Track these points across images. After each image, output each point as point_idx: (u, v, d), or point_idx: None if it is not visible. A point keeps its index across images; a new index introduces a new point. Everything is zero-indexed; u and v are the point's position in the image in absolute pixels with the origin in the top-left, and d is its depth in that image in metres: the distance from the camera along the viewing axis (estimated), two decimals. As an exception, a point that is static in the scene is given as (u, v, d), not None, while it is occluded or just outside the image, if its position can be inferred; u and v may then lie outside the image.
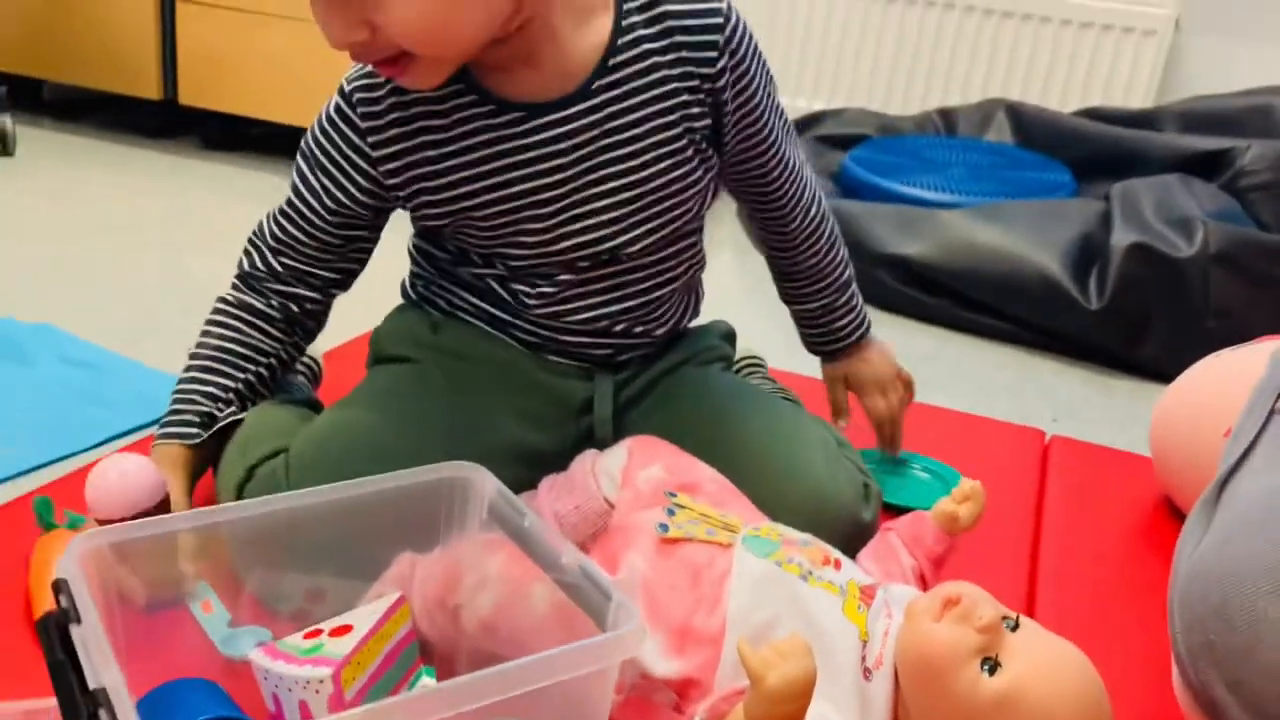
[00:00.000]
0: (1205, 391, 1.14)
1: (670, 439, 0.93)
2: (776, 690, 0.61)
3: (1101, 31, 2.42)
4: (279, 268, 0.97)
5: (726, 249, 1.73)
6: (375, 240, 0.99)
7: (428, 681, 0.75)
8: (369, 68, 0.89)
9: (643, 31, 0.90)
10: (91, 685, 0.55)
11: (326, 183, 0.93)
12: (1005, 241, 1.80)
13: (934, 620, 0.70)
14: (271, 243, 0.97)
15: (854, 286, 1.12)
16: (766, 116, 0.98)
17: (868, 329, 1.14)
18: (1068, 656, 0.71)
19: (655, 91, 0.91)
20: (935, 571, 0.87)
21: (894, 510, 1.04)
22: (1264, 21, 2.37)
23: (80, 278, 1.69)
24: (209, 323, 0.98)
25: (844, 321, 1.12)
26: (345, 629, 0.70)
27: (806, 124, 2.46)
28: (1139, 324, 1.70)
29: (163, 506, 0.86)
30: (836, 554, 0.81)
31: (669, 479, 0.87)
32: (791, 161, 1.03)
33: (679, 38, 0.91)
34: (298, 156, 0.95)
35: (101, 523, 0.82)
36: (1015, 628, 0.71)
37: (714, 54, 0.91)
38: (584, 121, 0.90)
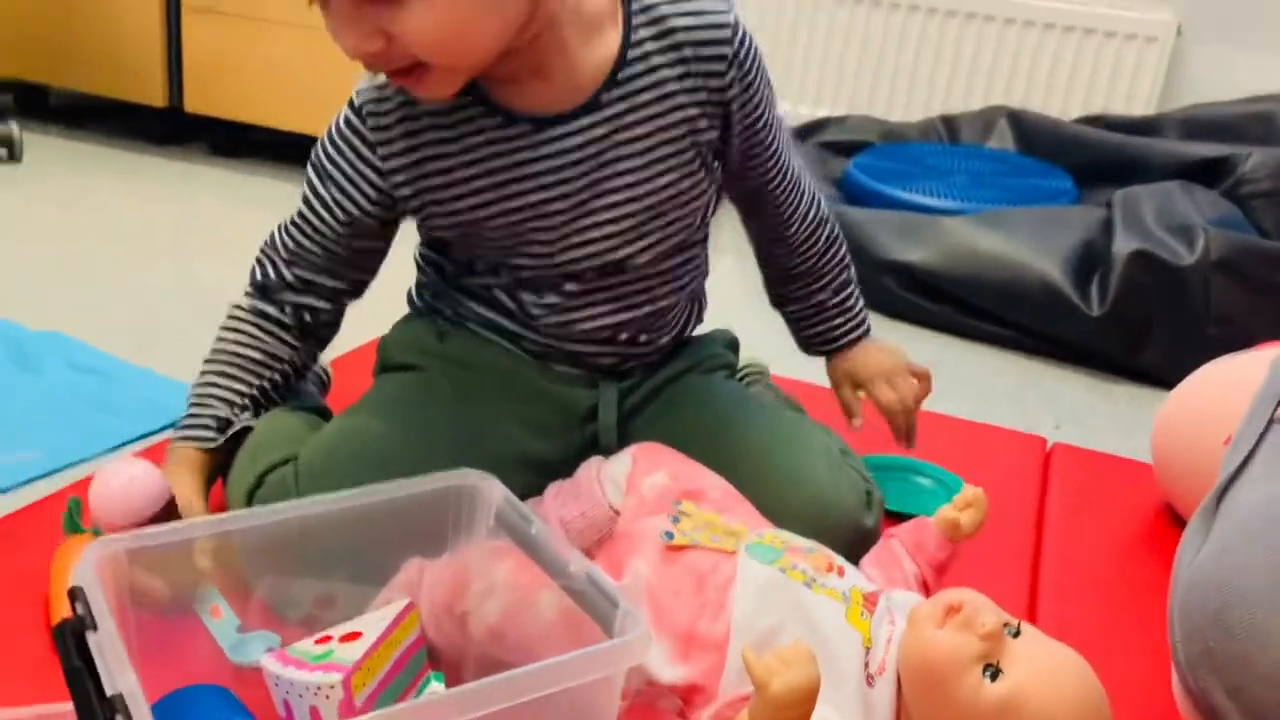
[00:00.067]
0: (1206, 398, 1.14)
1: (674, 446, 0.93)
2: (781, 697, 0.62)
3: (1103, 39, 2.42)
4: (292, 278, 0.97)
5: (729, 255, 1.73)
6: (386, 249, 1.00)
7: (436, 687, 0.76)
8: (378, 79, 0.90)
9: (651, 45, 0.90)
10: (108, 692, 0.56)
11: (337, 194, 0.94)
12: (1007, 248, 1.80)
13: (936, 627, 0.71)
14: (284, 254, 0.98)
15: (853, 287, 1.12)
16: (770, 126, 0.98)
17: (867, 330, 1.13)
18: (1069, 663, 0.71)
19: (663, 104, 0.91)
20: (937, 578, 0.88)
21: (896, 517, 1.04)
22: (1265, 29, 2.37)
23: (88, 284, 1.69)
24: (224, 329, 0.98)
25: (838, 321, 1.11)
26: (355, 635, 0.70)
27: (810, 131, 2.45)
28: (1140, 331, 1.70)
29: (167, 512, 0.86)
30: (840, 560, 0.82)
31: (673, 486, 0.88)
32: (791, 169, 1.04)
33: (687, 51, 0.91)
34: (308, 168, 0.96)
35: (106, 530, 0.82)
36: (1017, 634, 0.71)
37: (722, 66, 0.92)
38: (592, 134, 0.90)
